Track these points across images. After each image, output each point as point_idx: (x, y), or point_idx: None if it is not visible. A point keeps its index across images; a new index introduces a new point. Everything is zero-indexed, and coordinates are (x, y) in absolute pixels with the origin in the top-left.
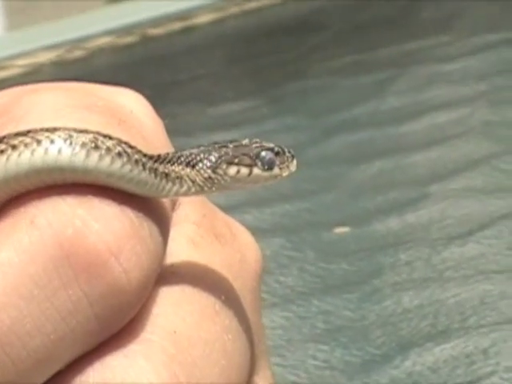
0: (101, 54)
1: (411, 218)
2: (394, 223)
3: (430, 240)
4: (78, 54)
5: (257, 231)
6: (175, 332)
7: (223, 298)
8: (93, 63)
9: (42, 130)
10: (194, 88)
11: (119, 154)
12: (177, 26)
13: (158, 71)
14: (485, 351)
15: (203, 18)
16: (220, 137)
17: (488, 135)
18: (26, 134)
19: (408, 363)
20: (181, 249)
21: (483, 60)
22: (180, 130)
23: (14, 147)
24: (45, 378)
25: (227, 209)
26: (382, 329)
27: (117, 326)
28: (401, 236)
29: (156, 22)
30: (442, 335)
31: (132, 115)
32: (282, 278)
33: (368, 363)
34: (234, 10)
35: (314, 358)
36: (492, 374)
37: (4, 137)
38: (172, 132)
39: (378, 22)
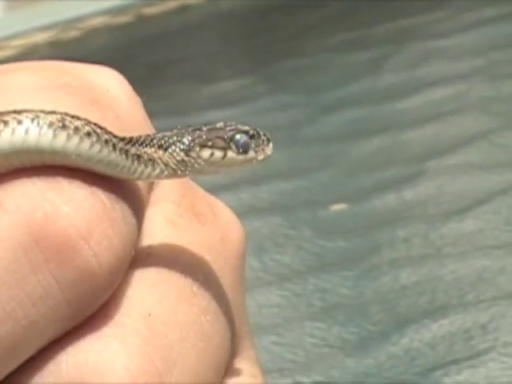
0: (96, 34)
1: (408, 194)
2: (391, 200)
3: (428, 216)
4: (72, 34)
5: (253, 210)
6: (150, 315)
7: (201, 278)
8: (88, 43)
9: (9, 111)
10: (189, 67)
11: (88, 134)
12: (171, 5)
13: (153, 50)
14: (483, 327)
15: None
16: (215, 115)
17: (485, 110)
18: None
19: (406, 340)
20: (158, 229)
21: (480, 35)
22: (175, 108)
23: None
24: (17, 363)
25: (223, 187)
26: (379, 306)
27: (89, 310)
28: (398, 213)
29: (151, 1)
30: (440, 311)
31: (107, 94)
32: (278, 257)
33: (365, 340)
34: None
35: (312, 335)
36: (490, 349)
37: None
38: (167, 111)
39: None
